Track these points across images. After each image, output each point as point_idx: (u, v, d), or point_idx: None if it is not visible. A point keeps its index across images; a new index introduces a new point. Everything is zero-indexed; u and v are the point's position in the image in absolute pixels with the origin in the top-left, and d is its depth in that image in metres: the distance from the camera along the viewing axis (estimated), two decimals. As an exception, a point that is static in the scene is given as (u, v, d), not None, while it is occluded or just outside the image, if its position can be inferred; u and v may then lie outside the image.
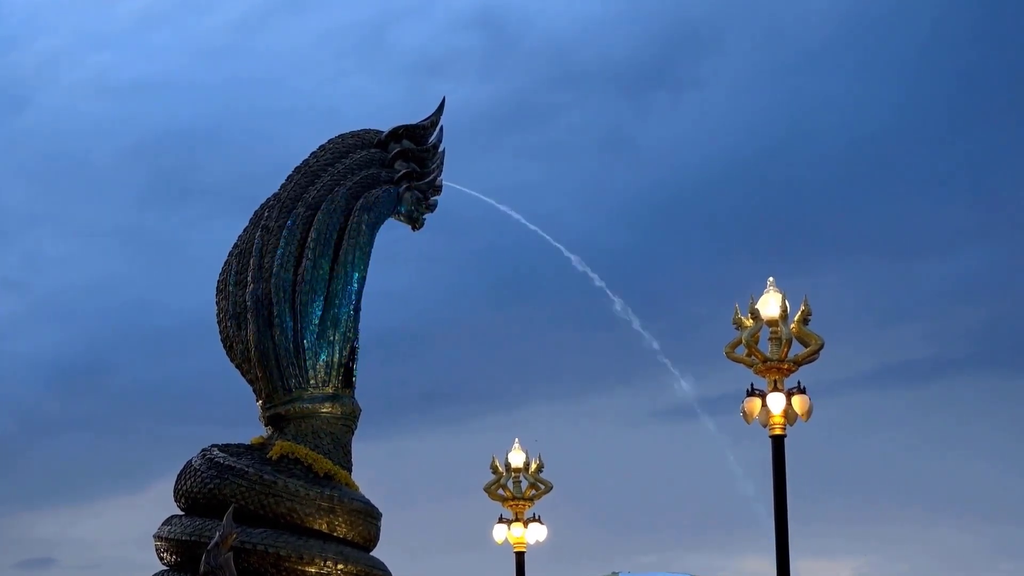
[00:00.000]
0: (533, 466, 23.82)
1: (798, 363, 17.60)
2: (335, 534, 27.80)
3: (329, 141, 30.48)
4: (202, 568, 26.21)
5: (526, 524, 23.56)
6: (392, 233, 30.22)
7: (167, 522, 28.20)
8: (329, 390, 28.76)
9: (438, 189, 30.47)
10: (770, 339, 17.62)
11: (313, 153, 30.14)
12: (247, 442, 28.63)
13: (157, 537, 28.27)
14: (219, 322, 29.51)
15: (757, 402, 17.42)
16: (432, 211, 30.58)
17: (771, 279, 17.95)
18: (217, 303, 29.56)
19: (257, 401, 28.97)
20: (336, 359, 28.95)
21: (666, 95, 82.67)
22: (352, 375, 29.47)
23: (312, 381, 28.57)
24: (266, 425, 28.69)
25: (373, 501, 28.93)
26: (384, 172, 30.05)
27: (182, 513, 28.12)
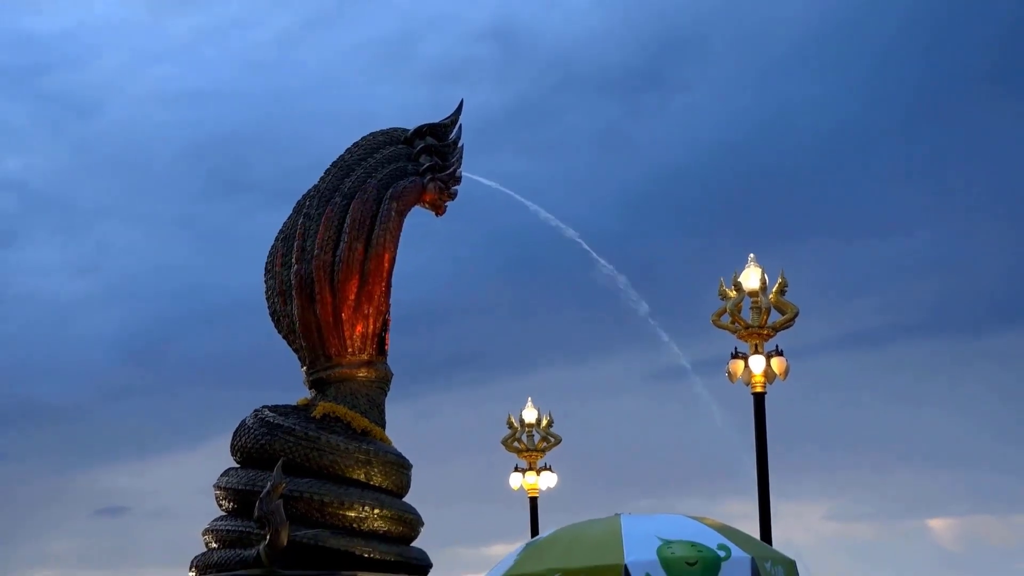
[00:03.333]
0: (544, 422, 23.79)
1: (776, 329, 17.59)
2: (371, 483, 27.83)
3: (362, 139, 30.44)
4: (256, 513, 26.27)
5: (538, 472, 23.55)
6: (418, 219, 30.21)
7: (225, 473, 28.26)
8: (365, 357, 28.79)
9: (458, 180, 30.41)
10: (751, 308, 17.61)
11: (348, 149, 30.09)
12: (293, 403, 28.71)
13: (216, 487, 28.32)
14: (267, 299, 29.54)
15: (740, 364, 17.40)
16: (453, 199, 30.52)
17: (752, 256, 17.91)
18: (265, 282, 29.58)
19: (302, 367, 29.01)
20: (370, 330, 28.96)
21: (655, 96, 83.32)
22: (384, 344, 29.50)
23: (350, 349, 28.60)
24: (310, 388, 28.73)
25: (404, 454, 28.99)
26: (410, 165, 30.03)
27: (237, 466, 28.18)
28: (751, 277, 17.71)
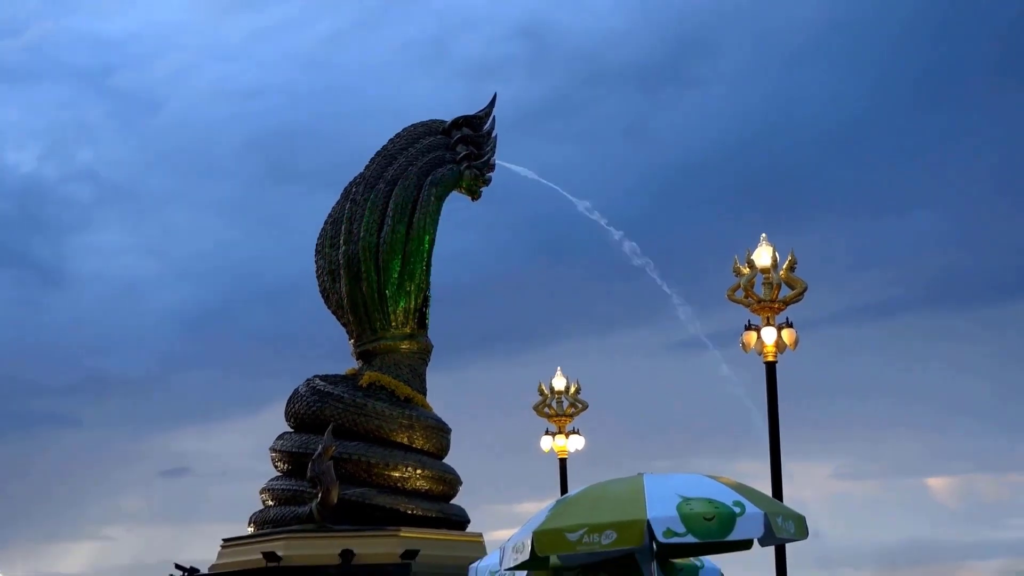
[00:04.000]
0: (572, 389, 23.76)
1: (786, 303, 17.45)
2: (414, 446, 27.92)
3: (403, 130, 30.46)
4: (308, 474, 26.38)
5: (567, 436, 23.53)
6: (455, 204, 30.23)
7: (280, 437, 28.42)
8: (407, 330, 28.85)
9: (492, 167, 30.37)
10: (763, 284, 17.47)
11: (390, 140, 30.12)
12: (342, 373, 28.82)
13: (272, 449, 28.49)
14: (318, 277, 29.62)
15: (753, 335, 17.28)
16: (487, 185, 30.49)
17: (763, 235, 17.81)
18: (316, 262, 29.66)
19: (349, 340, 29.11)
20: (412, 306, 29.01)
21: (675, 90, 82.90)
22: (425, 318, 29.56)
23: (393, 324, 28.66)
24: (357, 359, 28.82)
25: (444, 419, 29.06)
26: (448, 154, 30.00)
27: (291, 430, 28.34)
28: (763, 255, 17.59)
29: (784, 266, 17.53)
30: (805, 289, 17.51)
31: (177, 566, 28.69)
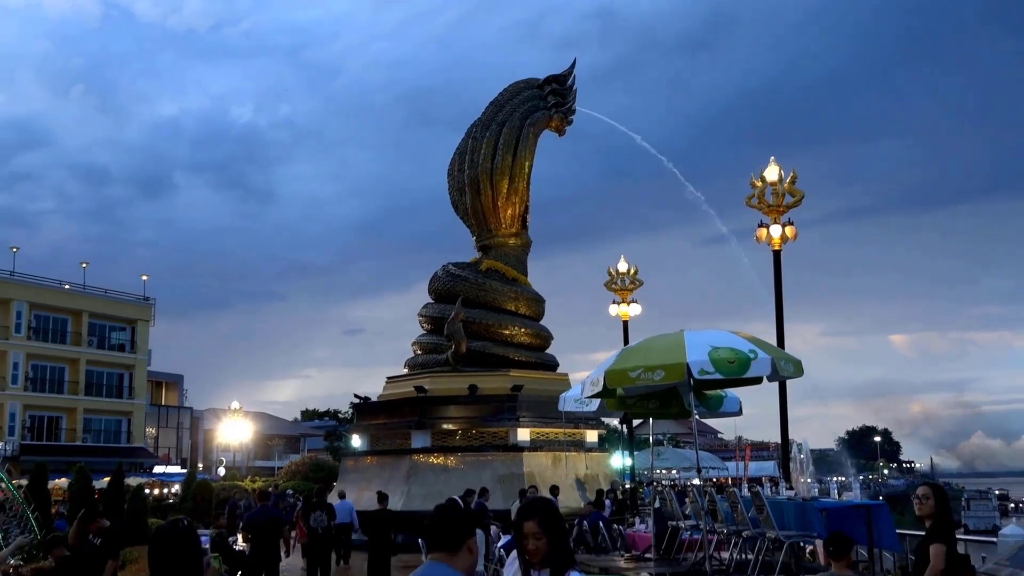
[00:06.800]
0: (632, 271, 23.49)
1: (789, 207, 16.95)
2: (519, 312, 28.13)
3: (509, 86, 30.32)
4: (445, 331, 26.77)
5: (628, 304, 23.34)
6: (547, 140, 30.06)
7: (425, 306, 28.81)
8: (513, 230, 28.88)
9: (573, 112, 30.15)
10: (772, 193, 16.97)
11: (500, 93, 30.05)
12: (467, 261, 29.01)
13: (420, 315, 28.93)
14: (449, 193, 29.71)
15: (764, 231, 16.84)
16: (570, 125, 30.25)
17: (772, 157, 17.25)
18: (448, 182, 29.72)
19: (472, 238, 29.25)
20: (517, 212, 28.99)
21: (706, 53, 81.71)
22: (526, 222, 29.55)
23: (503, 225, 28.70)
24: (477, 251, 28.97)
25: (540, 293, 29.21)
26: (541, 103, 29.80)
27: (432, 301, 28.69)
28: (771, 172, 17.06)
29: (787, 180, 17.03)
30: (803, 197, 17.05)
31: (355, 395, 29.57)
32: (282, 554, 13.06)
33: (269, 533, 12.59)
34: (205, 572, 3.47)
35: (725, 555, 11.63)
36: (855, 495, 43.71)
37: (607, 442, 32.24)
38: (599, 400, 12.47)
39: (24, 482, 21.77)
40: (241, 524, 19.96)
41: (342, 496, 20.01)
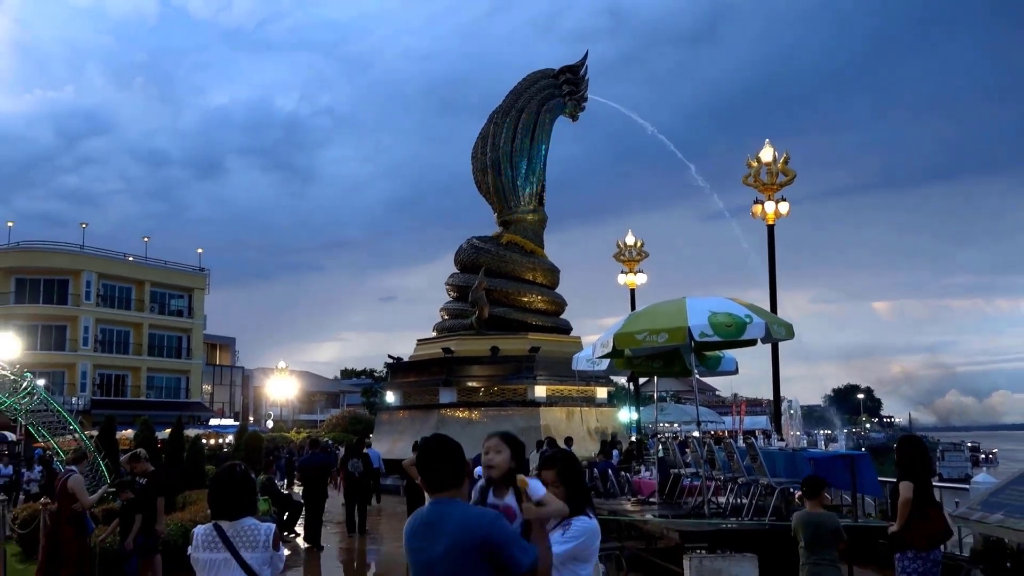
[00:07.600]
0: (639, 244, 23.41)
1: (782, 186, 16.82)
2: (536, 281, 28.12)
3: (527, 75, 30.11)
4: (469, 299, 26.78)
5: (635, 274, 23.29)
6: (562, 125, 29.89)
7: (451, 276, 28.85)
8: (531, 207, 28.80)
9: (585, 100, 29.96)
10: (767, 173, 16.82)
11: (519, 82, 29.85)
12: (490, 235, 28.99)
13: (447, 284, 28.96)
14: (473, 173, 29.63)
15: (759, 207, 16.71)
16: (583, 111, 30.08)
17: (767, 140, 17.10)
18: (472, 163, 29.63)
19: (494, 214, 29.20)
20: (535, 191, 28.90)
21: (711, 45, 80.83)
22: (543, 199, 29.45)
23: (522, 202, 28.62)
24: (499, 226, 28.93)
25: (556, 264, 29.17)
26: (556, 91, 29.62)
27: (458, 271, 28.70)
28: (767, 153, 16.90)
29: (781, 161, 16.87)
30: (794, 177, 16.90)
31: (389, 356, 29.75)
32: (329, 491, 14.43)
33: (319, 475, 13.90)
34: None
35: (722, 499, 11.68)
36: (840, 446, 43.63)
37: (615, 398, 32.34)
38: (608, 360, 12.49)
39: (95, 433, 22.09)
40: (296, 468, 21.40)
41: (368, 446, 20.24)
